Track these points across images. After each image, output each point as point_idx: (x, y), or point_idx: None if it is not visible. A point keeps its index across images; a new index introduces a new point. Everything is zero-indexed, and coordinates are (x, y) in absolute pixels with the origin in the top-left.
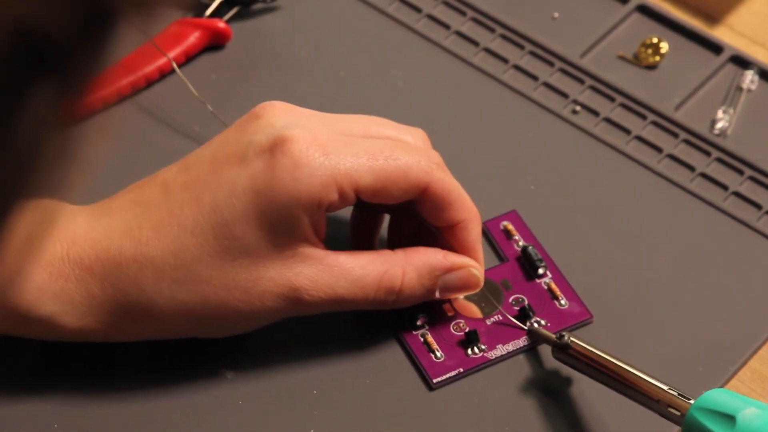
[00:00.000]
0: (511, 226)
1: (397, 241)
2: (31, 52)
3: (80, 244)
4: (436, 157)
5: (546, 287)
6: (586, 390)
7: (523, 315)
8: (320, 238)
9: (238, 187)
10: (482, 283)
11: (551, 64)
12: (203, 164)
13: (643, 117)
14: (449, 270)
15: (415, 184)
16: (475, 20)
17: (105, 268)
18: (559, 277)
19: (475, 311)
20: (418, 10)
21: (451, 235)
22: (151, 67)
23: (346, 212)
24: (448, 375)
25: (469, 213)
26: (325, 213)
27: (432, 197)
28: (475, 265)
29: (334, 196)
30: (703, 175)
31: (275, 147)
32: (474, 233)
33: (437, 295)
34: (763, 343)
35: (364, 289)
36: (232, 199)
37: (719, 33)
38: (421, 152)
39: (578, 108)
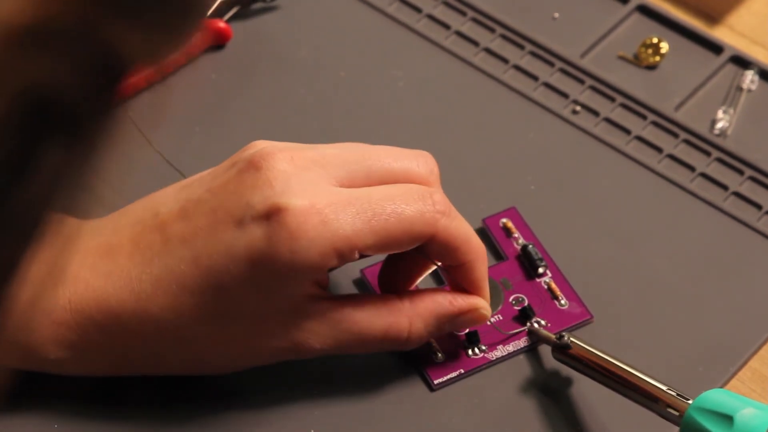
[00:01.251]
0: (510, 224)
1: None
2: (42, 113)
3: (81, 293)
4: (441, 202)
5: (546, 287)
6: (585, 390)
7: (524, 315)
8: (324, 287)
9: (236, 255)
10: (489, 318)
11: (551, 64)
12: (202, 216)
13: (643, 117)
14: (457, 316)
15: (419, 238)
16: (475, 20)
17: (106, 318)
18: (559, 276)
19: None
20: (418, 10)
21: (457, 273)
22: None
23: None
24: (448, 376)
25: (474, 254)
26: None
27: (437, 245)
28: (482, 305)
29: (333, 262)
30: (703, 175)
31: (271, 216)
32: (480, 272)
33: (445, 334)
34: (764, 344)
35: (366, 340)
36: (229, 265)
37: (719, 33)
38: (425, 199)
39: (578, 108)
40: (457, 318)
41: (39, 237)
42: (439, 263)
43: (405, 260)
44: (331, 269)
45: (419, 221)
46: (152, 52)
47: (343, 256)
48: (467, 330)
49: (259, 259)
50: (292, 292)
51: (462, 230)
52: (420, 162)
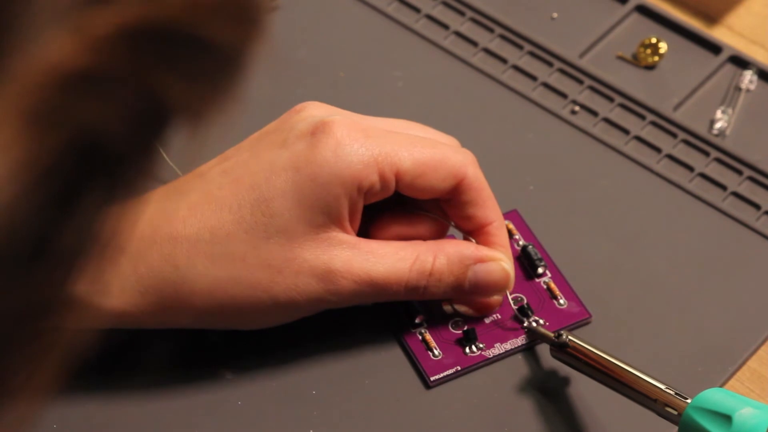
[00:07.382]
0: (512, 226)
1: None
2: (89, 156)
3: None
4: (471, 155)
5: (545, 286)
6: (583, 389)
7: (522, 314)
8: (354, 228)
9: (278, 164)
10: (512, 283)
11: (550, 65)
12: (243, 152)
13: (642, 117)
14: (480, 261)
15: (453, 173)
16: (474, 20)
17: (138, 248)
18: (558, 276)
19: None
20: (417, 10)
21: (482, 239)
22: None
23: None
24: (445, 373)
25: (499, 215)
26: (363, 201)
27: (467, 190)
28: (506, 260)
29: (374, 178)
30: (702, 176)
31: (317, 130)
32: (504, 237)
33: (467, 286)
34: (762, 344)
35: (397, 273)
36: (271, 176)
37: (718, 33)
38: (457, 148)
39: (577, 108)
40: (480, 265)
41: (81, 266)
42: (462, 227)
43: (420, 233)
44: (368, 198)
45: (453, 157)
46: (194, 103)
47: (384, 174)
48: (465, 327)
49: (302, 165)
50: (329, 211)
51: (488, 186)
52: (448, 140)
